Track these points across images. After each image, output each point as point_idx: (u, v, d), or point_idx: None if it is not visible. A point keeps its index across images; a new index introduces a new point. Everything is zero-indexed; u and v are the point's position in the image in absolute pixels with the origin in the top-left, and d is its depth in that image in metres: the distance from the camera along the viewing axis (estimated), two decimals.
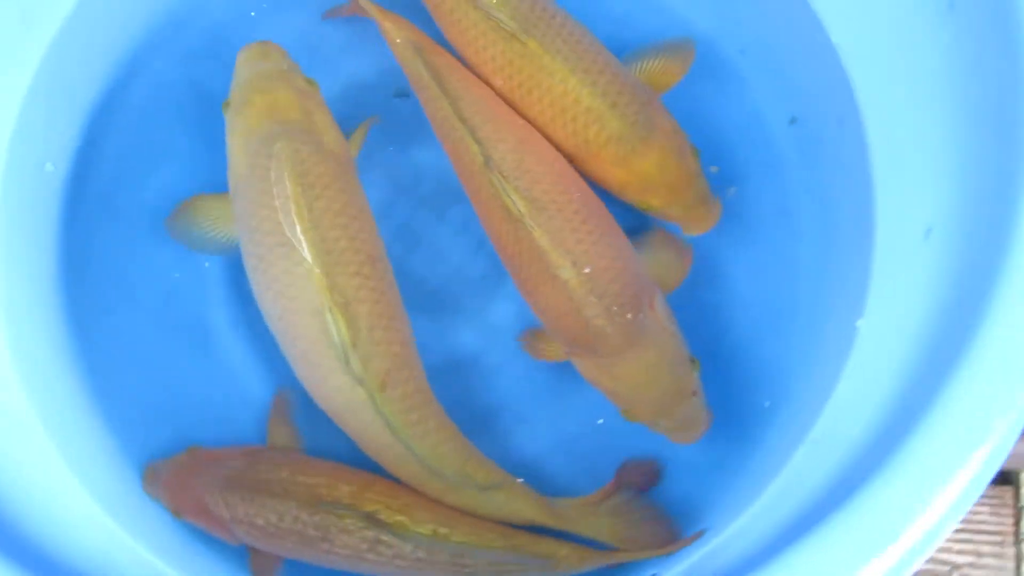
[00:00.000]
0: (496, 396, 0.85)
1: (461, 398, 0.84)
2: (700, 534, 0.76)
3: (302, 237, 0.72)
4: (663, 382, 0.75)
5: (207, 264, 0.86)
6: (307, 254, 0.72)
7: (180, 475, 0.78)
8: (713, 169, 0.86)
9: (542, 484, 0.81)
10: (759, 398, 0.83)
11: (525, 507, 0.77)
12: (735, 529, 0.74)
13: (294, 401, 0.82)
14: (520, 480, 0.79)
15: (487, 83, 0.81)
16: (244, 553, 0.79)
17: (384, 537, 0.73)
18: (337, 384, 0.73)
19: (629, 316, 0.73)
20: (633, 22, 0.89)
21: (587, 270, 0.73)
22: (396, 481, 0.77)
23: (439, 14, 0.82)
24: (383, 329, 0.74)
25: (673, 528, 0.79)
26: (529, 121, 0.80)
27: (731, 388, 0.83)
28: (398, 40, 0.82)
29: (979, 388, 0.58)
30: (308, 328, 0.73)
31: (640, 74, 0.82)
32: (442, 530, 0.74)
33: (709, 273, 0.84)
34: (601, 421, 0.83)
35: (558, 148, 0.80)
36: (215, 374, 0.85)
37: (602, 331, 0.73)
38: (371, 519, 0.73)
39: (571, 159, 0.80)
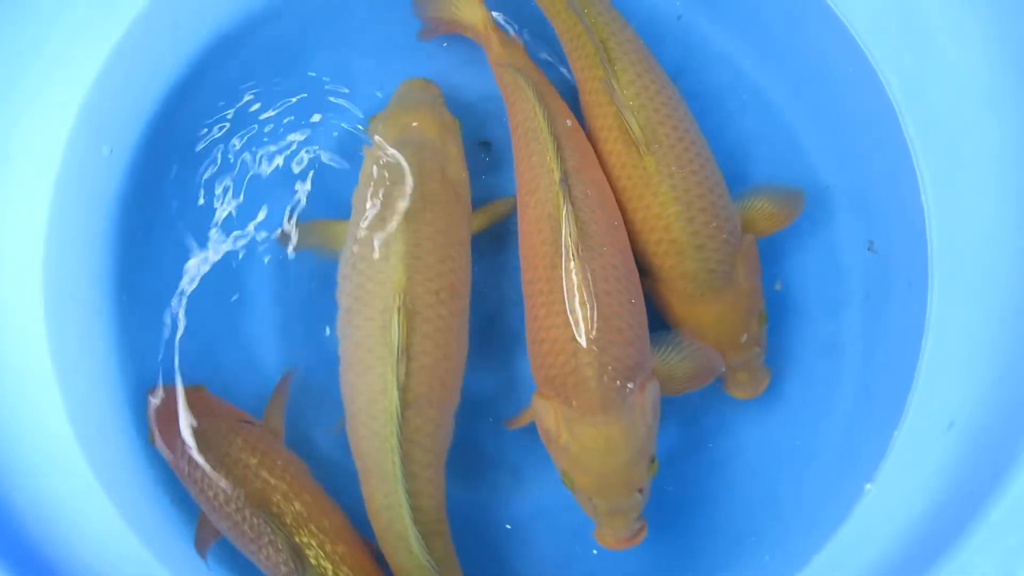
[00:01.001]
0: (505, 449, 0.85)
1: (472, 437, 0.84)
2: None
3: (399, 236, 0.75)
4: (616, 462, 0.72)
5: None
6: (398, 252, 0.75)
7: (172, 409, 0.79)
8: (777, 286, 0.85)
9: (513, 545, 0.82)
10: (748, 533, 0.82)
11: None
12: None
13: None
14: None
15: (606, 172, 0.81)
16: None
17: (297, 570, 0.73)
18: (372, 381, 0.74)
19: (618, 383, 0.72)
20: (741, 118, 0.88)
21: (597, 321, 0.72)
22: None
23: (582, 91, 0.82)
24: (435, 359, 0.75)
25: None
26: (625, 220, 0.79)
27: (721, 516, 0.83)
28: (501, 50, 0.82)
29: None
30: (372, 321, 0.74)
31: (747, 211, 0.81)
32: None
33: None
34: (596, 552, 0.81)
35: (641, 264, 0.79)
36: (239, 342, 0.87)
37: (586, 382, 0.72)
38: (297, 552, 0.73)
39: (640, 271, 0.79)
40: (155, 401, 0.81)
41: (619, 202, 0.80)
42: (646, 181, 0.78)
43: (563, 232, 0.74)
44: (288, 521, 0.74)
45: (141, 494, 0.80)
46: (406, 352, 0.73)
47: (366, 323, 0.74)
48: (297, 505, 0.75)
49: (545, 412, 0.74)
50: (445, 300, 0.76)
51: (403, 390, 0.73)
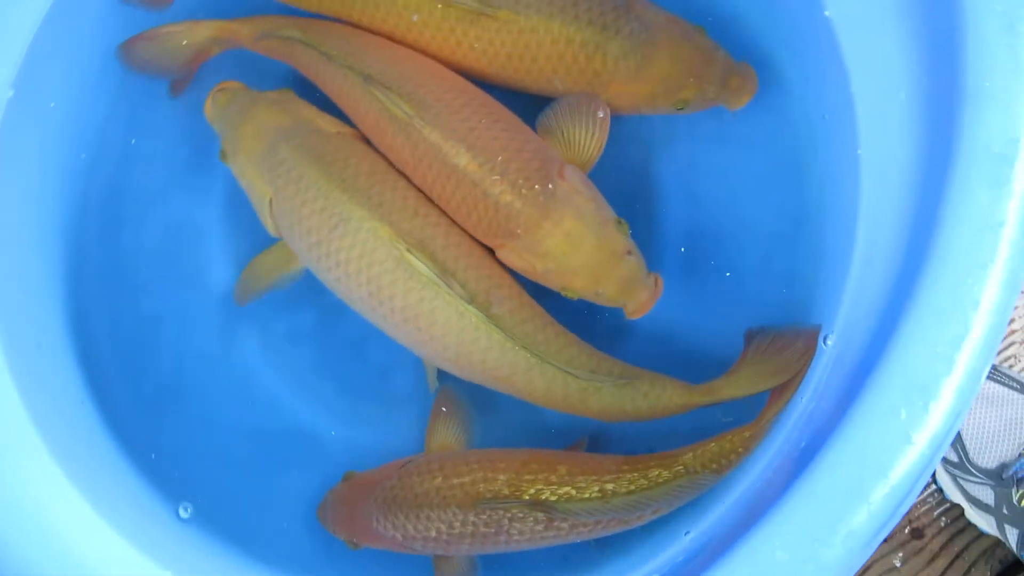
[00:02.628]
0: None
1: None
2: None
3: (348, 203, 0.74)
4: (588, 245, 0.74)
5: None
6: (361, 215, 0.74)
7: (344, 506, 0.78)
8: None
9: None
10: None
11: (672, 392, 0.76)
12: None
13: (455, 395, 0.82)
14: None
15: (458, 68, 0.80)
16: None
17: (555, 515, 0.72)
18: (446, 317, 0.74)
19: (536, 187, 0.73)
20: None
21: (482, 154, 0.73)
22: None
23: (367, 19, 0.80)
24: (466, 256, 0.75)
25: (810, 331, 0.75)
26: (531, 81, 0.79)
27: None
28: (254, 37, 0.82)
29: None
30: (397, 282, 0.74)
31: None
32: (608, 487, 0.73)
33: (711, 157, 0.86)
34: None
35: (572, 92, 0.79)
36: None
37: (511, 207, 0.73)
38: (535, 503, 0.72)
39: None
40: (327, 517, 0.80)
41: (512, 72, 0.79)
42: (516, 30, 0.77)
43: (398, 115, 0.74)
44: (507, 492, 0.73)
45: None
46: (445, 270, 0.73)
47: (396, 288, 0.74)
48: (501, 476, 0.74)
49: (509, 257, 0.76)
50: (426, 213, 0.76)
51: (473, 299, 0.73)
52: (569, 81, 0.79)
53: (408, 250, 0.73)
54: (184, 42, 0.83)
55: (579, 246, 0.74)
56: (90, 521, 0.71)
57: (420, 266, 0.73)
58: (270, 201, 0.79)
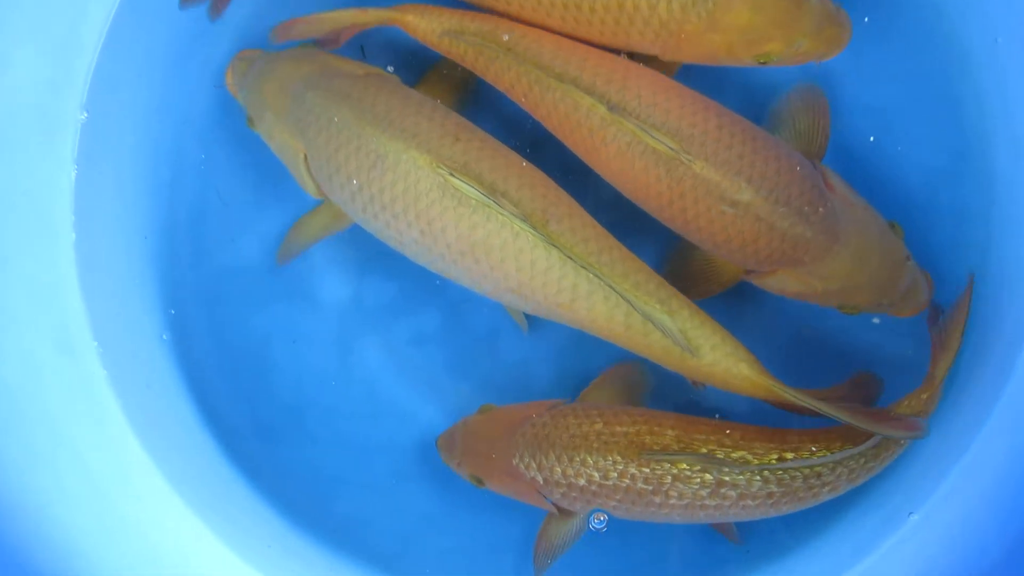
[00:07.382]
0: None
1: None
2: None
3: (382, 136, 0.69)
4: (875, 260, 0.70)
5: None
6: (397, 147, 0.69)
7: (479, 439, 0.74)
8: None
9: None
10: None
11: (742, 365, 0.69)
12: None
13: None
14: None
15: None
16: None
17: (726, 478, 0.67)
18: (502, 240, 0.68)
19: (821, 210, 0.69)
20: None
21: (765, 185, 0.68)
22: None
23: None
24: (517, 176, 0.69)
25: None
26: (597, 35, 0.73)
27: None
28: (434, 34, 0.75)
29: None
30: (447, 211, 0.68)
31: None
32: (788, 454, 0.68)
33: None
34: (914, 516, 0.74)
35: (646, 54, 0.73)
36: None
37: (802, 237, 0.69)
38: (709, 460, 0.67)
39: (665, 55, 0.73)
40: (454, 447, 0.75)
41: (567, 25, 0.73)
42: None
43: (660, 149, 0.68)
44: (676, 448, 0.68)
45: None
46: (494, 190, 0.68)
47: (446, 219, 0.68)
48: (669, 431, 0.69)
49: (783, 283, 0.72)
50: (468, 137, 0.70)
51: (528, 218, 0.67)
52: (640, 37, 0.72)
53: (451, 174, 0.68)
54: (348, 26, 0.78)
55: (866, 263, 0.70)
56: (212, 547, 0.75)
57: (467, 189, 0.67)
58: (304, 156, 0.74)
